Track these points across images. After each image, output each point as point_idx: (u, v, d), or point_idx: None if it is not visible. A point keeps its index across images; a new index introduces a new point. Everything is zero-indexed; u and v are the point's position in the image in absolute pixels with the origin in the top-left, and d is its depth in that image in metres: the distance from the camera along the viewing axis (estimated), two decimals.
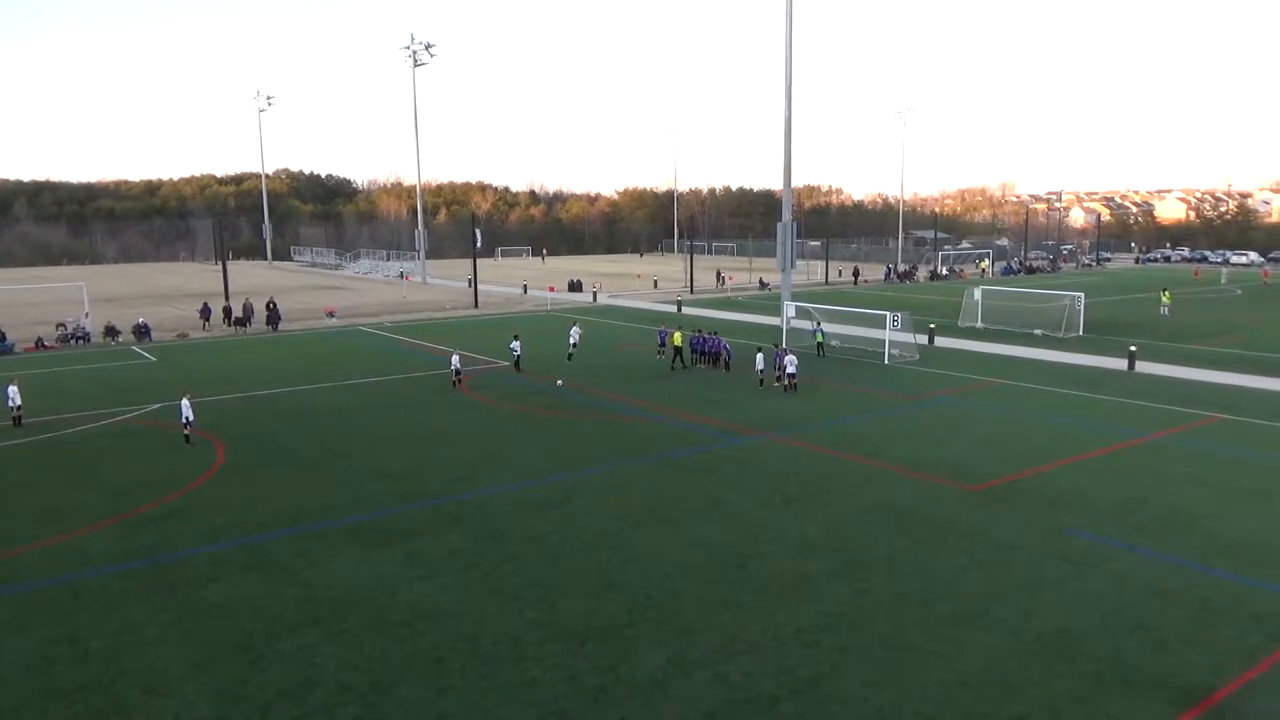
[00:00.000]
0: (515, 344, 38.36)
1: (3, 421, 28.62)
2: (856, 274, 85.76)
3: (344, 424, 28.73)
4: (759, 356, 34.39)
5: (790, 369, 32.91)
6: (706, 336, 38.62)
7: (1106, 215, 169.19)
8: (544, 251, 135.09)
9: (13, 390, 28.50)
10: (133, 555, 17.71)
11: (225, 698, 12.51)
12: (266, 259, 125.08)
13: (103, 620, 14.90)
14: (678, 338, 38.50)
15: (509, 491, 21.54)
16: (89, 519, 19.82)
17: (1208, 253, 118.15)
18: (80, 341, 48.05)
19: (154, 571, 16.91)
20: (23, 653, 13.83)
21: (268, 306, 54.75)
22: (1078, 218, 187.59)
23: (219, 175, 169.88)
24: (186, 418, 25.89)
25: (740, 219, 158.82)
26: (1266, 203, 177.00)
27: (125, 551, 17.90)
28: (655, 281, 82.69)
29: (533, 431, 27.62)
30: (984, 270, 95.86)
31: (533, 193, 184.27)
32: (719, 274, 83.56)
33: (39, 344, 46.18)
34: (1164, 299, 57.93)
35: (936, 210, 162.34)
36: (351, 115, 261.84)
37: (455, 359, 35.27)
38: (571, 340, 41.12)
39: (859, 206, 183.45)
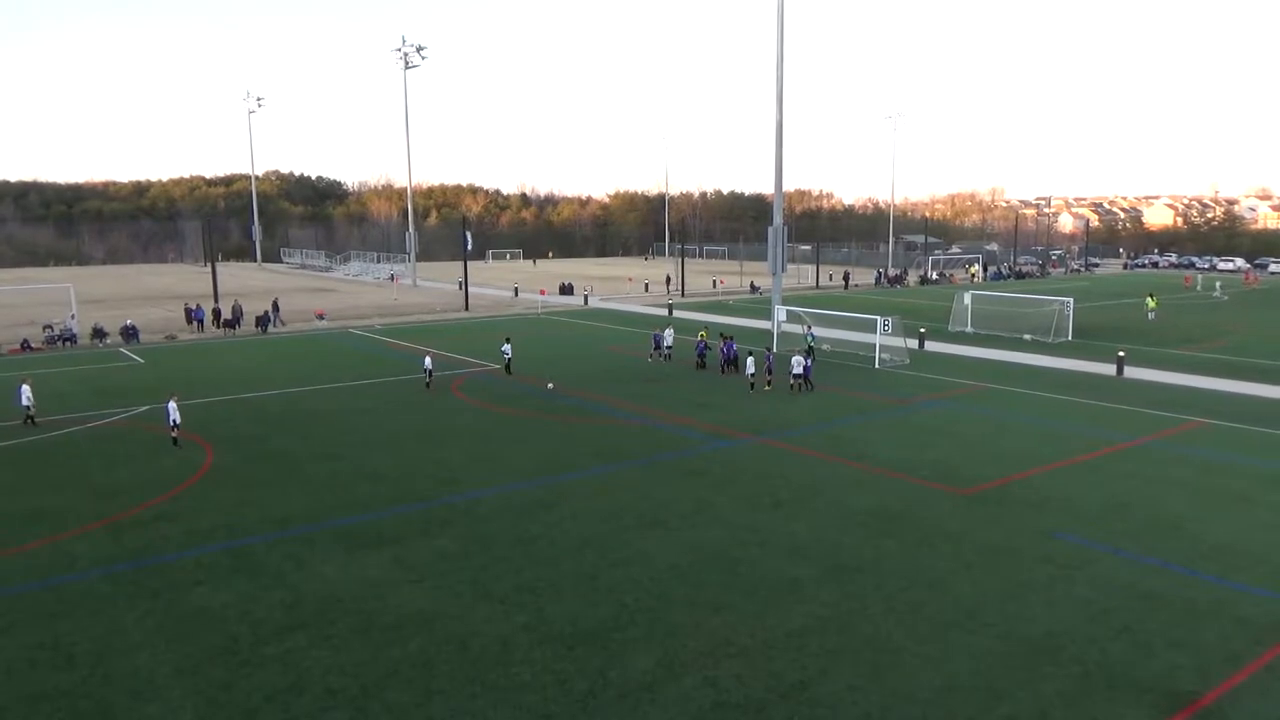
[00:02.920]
0: (506, 347, 38.35)
1: (14, 420, 28.79)
2: (847, 278, 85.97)
3: (333, 426, 28.64)
4: (749, 360, 34.52)
5: (797, 369, 33.33)
6: (723, 341, 39.05)
7: (1095, 221, 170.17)
8: (549, 253, 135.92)
9: (25, 389, 28.75)
10: (119, 558, 17.61)
11: (211, 702, 12.44)
12: (256, 261, 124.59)
13: (88, 624, 14.80)
14: (705, 336, 39.59)
15: (498, 494, 21.50)
16: (75, 522, 19.70)
17: (1194, 258, 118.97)
18: (67, 343, 47.74)
19: (140, 575, 16.81)
20: (7, 657, 13.73)
21: (273, 307, 56.76)
22: (1066, 223, 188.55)
23: (208, 176, 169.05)
24: (174, 420, 25.77)
25: (731, 223, 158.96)
26: (1253, 209, 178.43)
27: (111, 555, 17.80)
28: (646, 285, 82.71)
29: (522, 434, 27.58)
30: (974, 275, 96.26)
31: (524, 195, 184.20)
32: (668, 278, 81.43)
33: (25, 346, 45.88)
34: (1150, 304, 58.53)
35: (927, 215, 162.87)
36: (342, 117, 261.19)
37: (427, 360, 35.33)
38: (666, 342, 41.40)
39: (850, 211, 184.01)
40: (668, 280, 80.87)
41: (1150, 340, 47.67)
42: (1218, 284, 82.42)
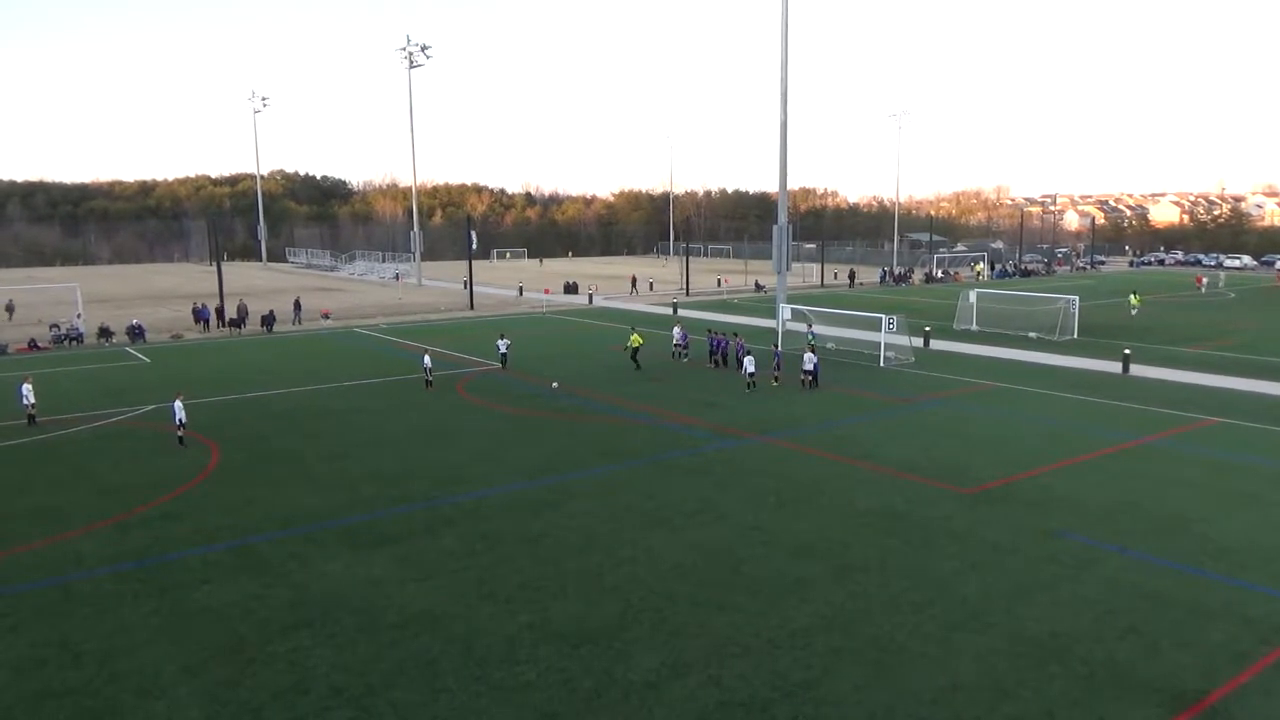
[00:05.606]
0: (501, 343, 38.51)
1: (17, 420, 28.84)
2: (852, 277, 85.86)
3: (338, 426, 28.68)
4: (749, 359, 34.51)
5: (808, 366, 33.47)
6: (718, 337, 39.11)
7: (1101, 219, 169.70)
8: (569, 253, 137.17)
9: (26, 388, 28.83)
10: (125, 557, 17.66)
11: (217, 700, 12.47)
12: (261, 260, 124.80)
13: (95, 622, 14.85)
14: (635, 339, 39.10)
15: (502, 493, 21.52)
16: (81, 520, 19.76)
17: (1200, 256, 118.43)
18: (73, 342, 47.90)
19: (146, 573, 16.86)
20: (14, 655, 13.78)
21: (295, 306, 58.62)
22: (1072, 221, 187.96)
23: (213, 176, 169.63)
24: (180, 419, 25.83)
25: (736, 221, 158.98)
26: (1259, 206, 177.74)
27: (117, 553, 17.85)
28: (651, 284, 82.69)
29: (527, 433, 27.60)
30: (979, 273, 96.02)
31: (528, 194, 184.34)
32: (634, 279, 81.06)
33: (32, 345, 46.03)
34: (1133, 301, 58.59)
35: (932, 213, 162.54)
36: (347, 116, 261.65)
37: (426, 358, 35.43)
38: (675, 339, 41.60)
39: (854, 209, 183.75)
40: (633, 281, 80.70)
41: (1157, 338, 47.50)
42: (1205, 280, 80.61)
